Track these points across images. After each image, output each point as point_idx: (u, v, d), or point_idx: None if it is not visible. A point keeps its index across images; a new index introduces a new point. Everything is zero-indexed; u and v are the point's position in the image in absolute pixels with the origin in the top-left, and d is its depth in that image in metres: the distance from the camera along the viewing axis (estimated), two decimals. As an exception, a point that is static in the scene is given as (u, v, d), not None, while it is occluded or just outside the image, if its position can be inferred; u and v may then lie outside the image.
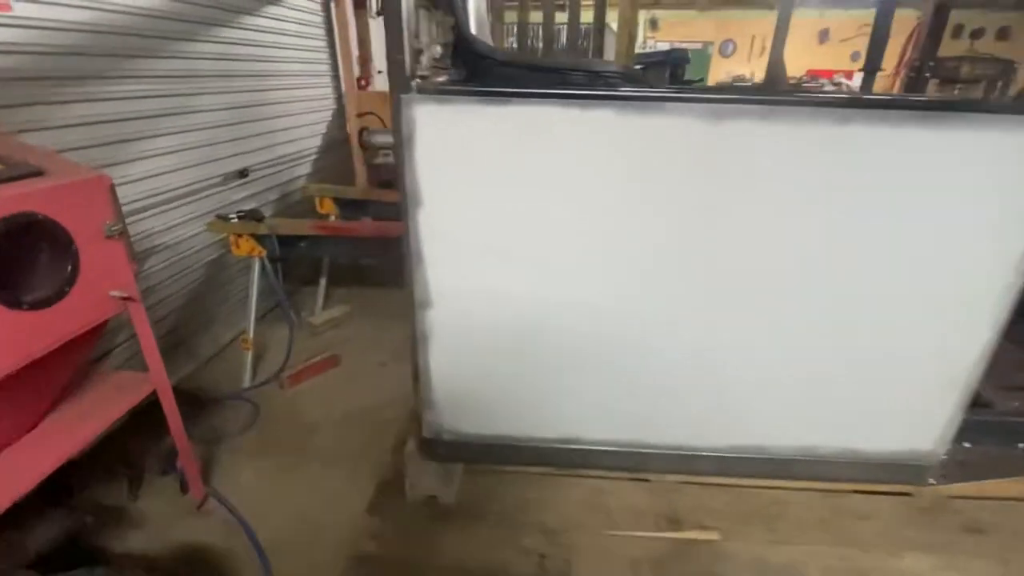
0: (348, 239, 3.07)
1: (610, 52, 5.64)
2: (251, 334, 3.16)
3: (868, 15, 7.26)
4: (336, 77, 4.97)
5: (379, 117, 4.96)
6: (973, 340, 0.86)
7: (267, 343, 3.61)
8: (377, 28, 5.91)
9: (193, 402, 2.87)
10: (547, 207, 0.80)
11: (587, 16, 5.93)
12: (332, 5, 4.69)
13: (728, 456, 0.93)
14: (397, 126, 0.72)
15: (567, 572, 0.87)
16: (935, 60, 5.34)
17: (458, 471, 0.96)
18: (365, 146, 4.97)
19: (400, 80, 0.70)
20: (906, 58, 4.93)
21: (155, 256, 2.96)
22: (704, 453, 0.93)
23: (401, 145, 0.72)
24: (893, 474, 0.96)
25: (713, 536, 0.93)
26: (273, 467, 2.56)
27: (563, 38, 5.84)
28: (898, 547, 0.96)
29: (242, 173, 3.71)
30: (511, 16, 4.98)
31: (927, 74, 4.48)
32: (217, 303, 3.58)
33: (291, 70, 4.25)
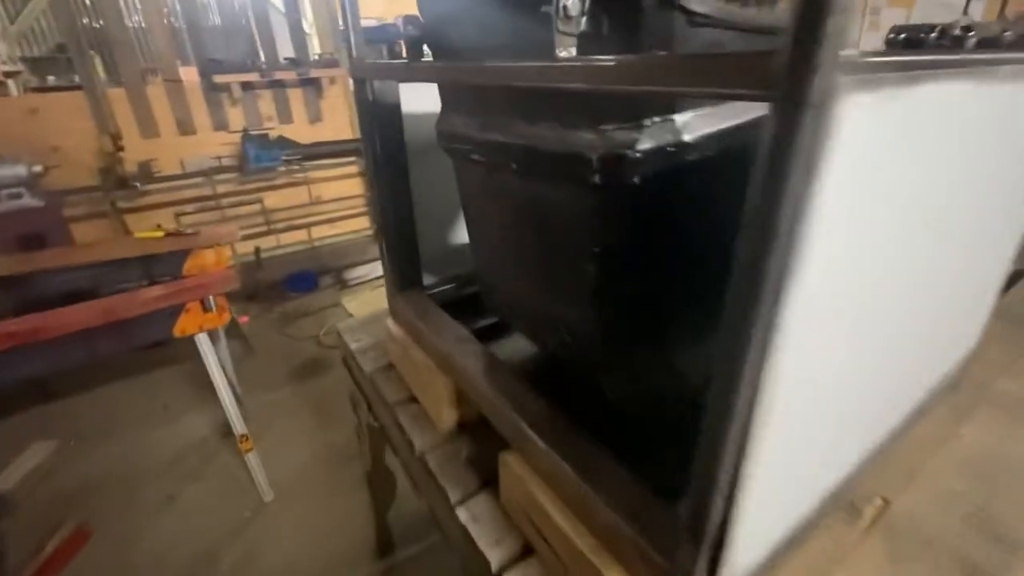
0: (58, 341, 1.88)
1: (281, 32, 4.93)
2: None
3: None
4: None
5: (-17, 140, 3.13)
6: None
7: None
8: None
9: None
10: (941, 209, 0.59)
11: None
12: None
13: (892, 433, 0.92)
14: (797, 129, 0.36)
15: None
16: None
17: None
18: (-32, 188, 3.11)
19: (830, 57, 0.34)
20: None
21: None
22: (887, 439, 0.90)
23: (799, 153, 0.37)
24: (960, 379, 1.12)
25: (880, 503, 0.95)
26: None
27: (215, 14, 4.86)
28: (958, 425, 1.16)
29: None
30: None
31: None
32: None
33: None
